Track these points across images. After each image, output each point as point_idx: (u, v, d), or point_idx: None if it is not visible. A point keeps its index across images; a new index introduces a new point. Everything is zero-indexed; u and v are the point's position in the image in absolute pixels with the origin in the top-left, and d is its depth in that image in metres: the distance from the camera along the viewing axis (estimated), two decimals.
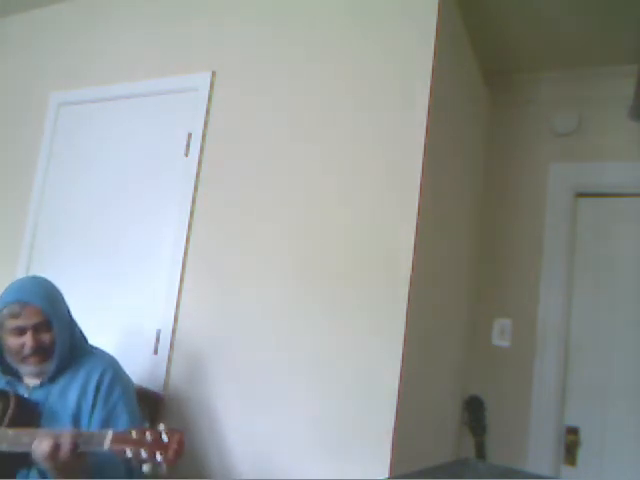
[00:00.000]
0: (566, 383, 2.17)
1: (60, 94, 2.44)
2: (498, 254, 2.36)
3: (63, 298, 1.50)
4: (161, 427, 1.13)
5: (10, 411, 1.33)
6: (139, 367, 1.83)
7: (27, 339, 1.37)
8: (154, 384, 1.82)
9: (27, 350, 1.37)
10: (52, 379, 1.43)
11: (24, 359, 1.39)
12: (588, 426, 2.11)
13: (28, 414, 1.38)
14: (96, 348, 1.56)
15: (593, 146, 2.26)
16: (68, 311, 1.50)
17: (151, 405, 1.75)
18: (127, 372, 1.54)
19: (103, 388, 1.43)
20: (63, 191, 2.30)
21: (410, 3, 1.69)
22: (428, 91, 1.60)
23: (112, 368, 1.49)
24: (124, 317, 1.99)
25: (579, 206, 2.29)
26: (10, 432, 1.27)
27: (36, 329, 1.38)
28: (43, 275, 1.58)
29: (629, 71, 2.14)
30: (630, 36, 2.02)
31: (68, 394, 1.42)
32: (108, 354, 1.55)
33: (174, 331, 1.87)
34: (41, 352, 1.39)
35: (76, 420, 1.41)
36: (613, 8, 1.89)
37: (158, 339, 1.88)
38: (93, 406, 1.41)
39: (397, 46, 1.68)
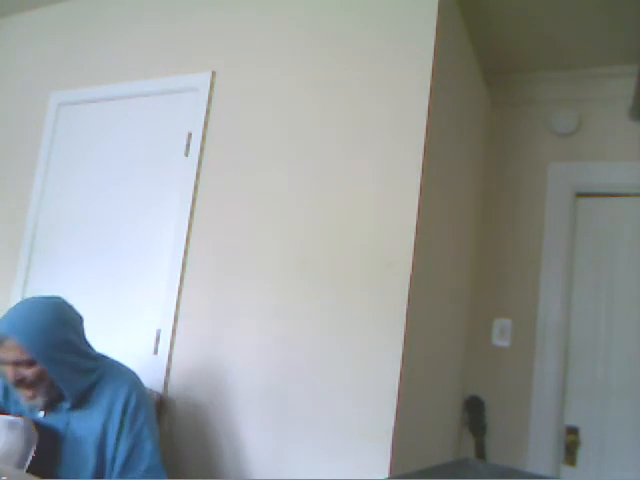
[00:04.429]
0: (566, 383, 2.17)
1: (60, 94, 2.44)
2: (498, 254, 2.36)
3: (64, 324, 1.38)
4: None
5: (33, 448, 1.29)
6: (139, 367, 1.82)
7: (8, 372, 1.31)
8: (154, 384, 1.82)
9: (11, 382, 1.33)
10: (73, 405, 1.39)
11: (15, 388, 1.35)
12: (588, 426, 2.11)
13: (49, 444, 1.34)
14: (116, 363, 1.51)
15: (593, 146, 2.26)
16: (68, 338, 1.38)
17: None
18: None
19: (129, 411, 1.39)
20: (63, 191, 2.30)
21: (410, 3, 1.69)
22: (428, 91, 1.60)
23: (137, 389, 1.44)
24: (124, 317, 1.99)
25: (579, 206, 2.30)
26: None
27: (16, 364, 1.31)
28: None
29: (629, 71, 2.14)
30: (630, 36, 2.02)
31: (92, 418, 1.38)
32: (130, 371, 1.51)
33: (174, 331, 1.87)
34: (24, 386, 1.33)
35: (101, 446, 1.37)
36: (613, 8, 1.89)
37: (158, 339, 1.88)
38: (119, 431, 1.37)
39: (397, 45, 1.68)
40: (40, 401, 1.36)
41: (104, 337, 1.74)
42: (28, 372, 1.32)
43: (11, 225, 2.44)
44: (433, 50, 1.61)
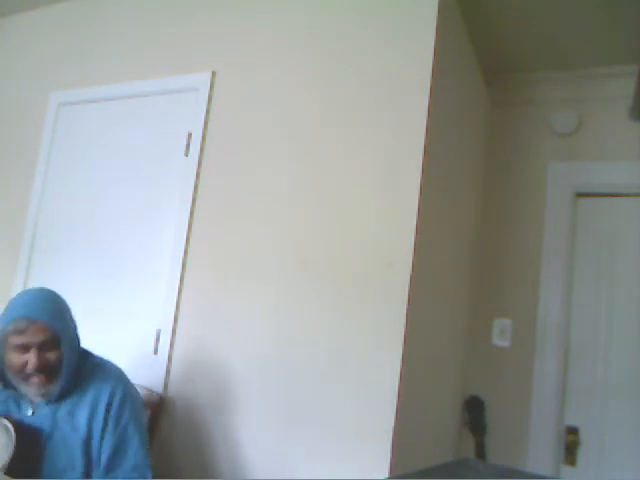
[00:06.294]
0: (566, 383, 2.17)
1: (60, 94, 2.44)
2: (498, 254, 2.36)
3: (71, 314, 1.43)
4: None
5: (11, 449, 1.27)
6: (139, 367, 1.83)
7: (31, 357, 1.30)
8: (154, 384, 1.82)
9: (30, 369, 1.31)
10: (59, 399, 1.38)
11: (26, 378, 1.33)
12: (588, 426, 2.11)
13: (30, 446, 1.33)
14: (102, 360, 1.51)
15: (593, 146, 2.26)
16: (75, 328, 1.43)
17: (151, 405, 1.75)
18: (128, 374, 1.52)
19: (114, 408, 1.38)
20: (63, 191, 2.30)
21: (410, 3, 1.69)
22: (428, 91, 1.60)
23: (121, 385, 1.43)
24: (124, 317, 1.99)
25: (579, 206, 2.29)
26: None
27: (41, 347, 1.31)
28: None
29: (629, 71, 2.14)
30: (630, 36, 2.01)
31: (77, 416, 1.38)
32: (116, 367, 1.50)
33: (174, 331, 1.87)
34: (45, 372, 1.33)
35: (87, 445, 1.37)
36: (613, 8, 1.89)
37: (158, 339, 1.88)
38: (104, 429, 1.37)
39: (397, 45, 1.68)
40: (54, 388, 1.36)
41: (104, 337, 1.74)
42: (52, 356, 1.33)
43: (11, 225, 2.44)
44: (433, 50, 1.61)
